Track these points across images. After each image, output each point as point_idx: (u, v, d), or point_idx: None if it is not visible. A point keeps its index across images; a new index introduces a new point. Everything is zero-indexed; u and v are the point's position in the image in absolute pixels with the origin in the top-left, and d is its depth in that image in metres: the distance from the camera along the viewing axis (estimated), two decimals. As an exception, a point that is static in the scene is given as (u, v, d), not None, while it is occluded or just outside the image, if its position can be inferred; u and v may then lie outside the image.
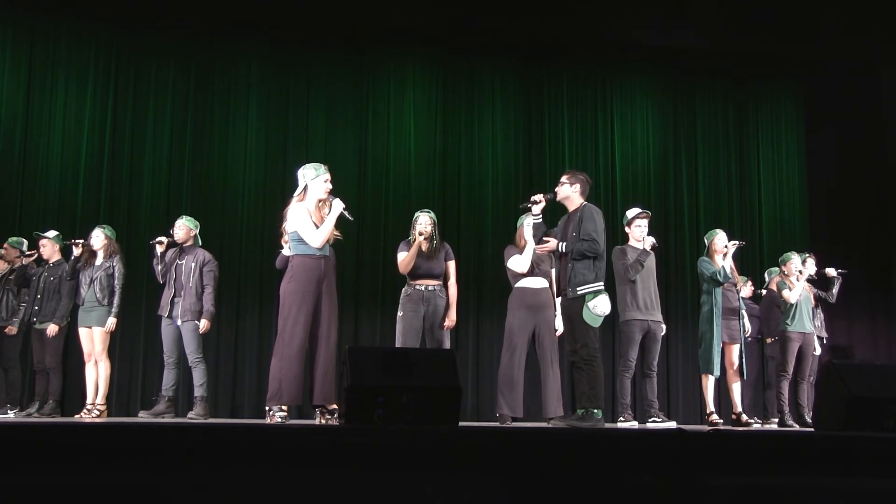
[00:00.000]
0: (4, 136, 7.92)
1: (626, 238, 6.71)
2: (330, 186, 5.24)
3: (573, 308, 5.36)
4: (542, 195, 5.62)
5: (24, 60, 8.09)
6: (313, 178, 5.21)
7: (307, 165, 5.29)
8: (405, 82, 8.93)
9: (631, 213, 6.73)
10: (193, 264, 6.50)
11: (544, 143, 9.16)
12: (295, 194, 5.25)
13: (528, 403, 6.12)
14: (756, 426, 7.05)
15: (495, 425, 5.48)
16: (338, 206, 5.16)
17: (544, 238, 5.58)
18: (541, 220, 5.62)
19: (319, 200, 5.22)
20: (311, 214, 5.18)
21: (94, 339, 6.59)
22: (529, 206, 5.63)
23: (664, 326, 6.71)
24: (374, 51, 8.91)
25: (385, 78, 8.89)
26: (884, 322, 9.37)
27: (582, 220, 5.40)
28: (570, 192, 5.58)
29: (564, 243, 5.42)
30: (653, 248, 6.60)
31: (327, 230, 5.13)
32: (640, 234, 6.60)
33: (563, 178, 5.64)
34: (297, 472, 2.94)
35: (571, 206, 5.60)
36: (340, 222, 5.25)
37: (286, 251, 6.09)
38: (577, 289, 5.32)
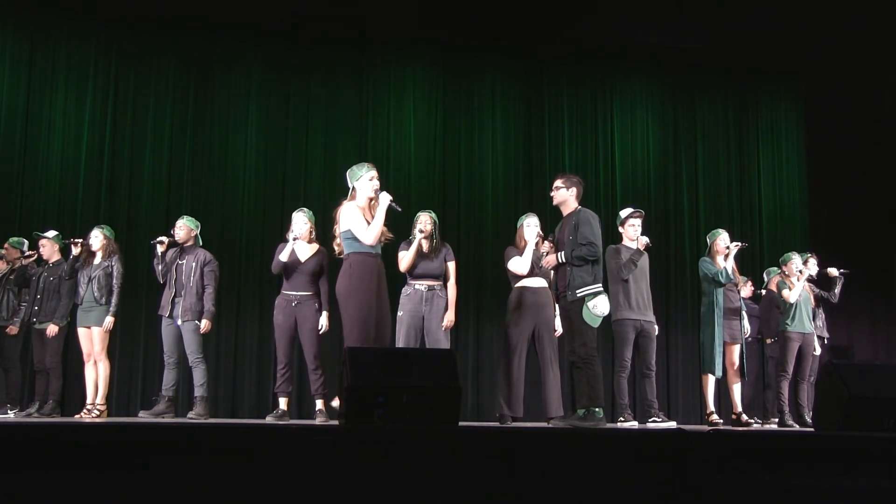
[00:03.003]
0: (4, 136, 7.92)
1: (620, 238, 6.70)
2: (377, 184, 5.23)
3: (573, 309, 5.38)
4: (548, 244, 5.66)
5: (24, 60, 8.08)
6: (359, 178, 5.24)
7: (353, 167, 5.34)
8: (405, 83, 8.93)
9: (624, 212, 6.73)
10: (194, 264, 6.49)
11: (544, 143, 9.16)
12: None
13: (528, 403, 6.12)
14: (756, 426, 7.05)
15: (495, 425, 5.48)
16: (385, 199, 5.15)
17: (546, 254, 5.61)
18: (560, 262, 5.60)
19: (370, 199, 5.21)
20: (364, 213, 5.17)
21: (93, 339, 6.59)
22: (543, 259, 5.67)
23: (656, 327, 6.69)
24: (375, 51, 8.91)
25: (385, 78, 8.89)
26: (884, 322, 9.37)
27: (578, 224, 5.43)
28: (567, 196, 5.63)
29: (563, 252, 5.44)
30: (646, 247, 6.59)
31: (378, 225, 5.12)
32: (633, 233, 6.59)
33: (559, 183, 5.68)
34: (297, 472, 2.93)
35: (567, 210, 5.64)
36: (391, 220, 5.26)
37: (283, 256, 6.11)
38: (577, 291, 5.35)
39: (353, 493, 2.92)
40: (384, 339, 5.12)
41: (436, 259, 6.20)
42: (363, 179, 5.23)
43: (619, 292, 6.39)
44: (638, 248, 6.52)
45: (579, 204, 5.65)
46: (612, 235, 7.64)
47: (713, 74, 9.65)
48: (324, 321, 6.16)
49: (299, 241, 6.19)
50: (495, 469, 3.10)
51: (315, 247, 6.27)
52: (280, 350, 6.21)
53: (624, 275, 6.39)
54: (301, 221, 6.21)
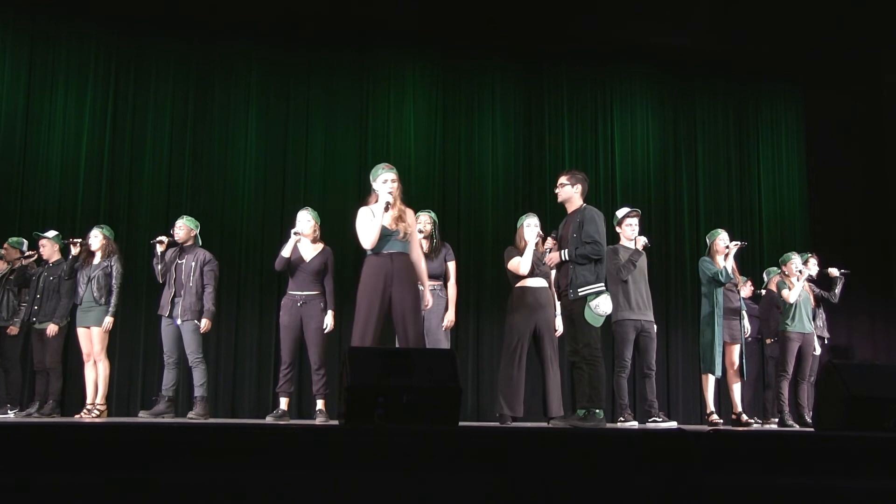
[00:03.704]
0: (4, 136, 7.92)
1: (617, 238, 6.70)
2: (391, 187, 5.18)
3: (575, 309, 5.34)
4: (551, 241, 5.62)
5: (24, 60, 8.09)
6: (375, 180, 5.25)
7: (374, 167, 5.36)
8: (405, 83, 8.94)
9: (621, 212, 6.73)
10: (194, 264, 6.49)
11: (544, 143, 9.16)
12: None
13: (528, 403, 6.12)
14: (756, 426, 7.05)
15: (495, 425, 5.48)
16: (383, 199, 5.14)
17: (550, 251, 5.58)
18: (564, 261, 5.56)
19: (387, 201, 5.19)
20: (374, 214, 5.15)
21: (92, 339, 6.59)
22: (545, 255, 5.62)
23: (655, 326, 6.69)
24: (375, 51, 8.91)
25: (385, 78, 8.89)
26: (884, 322, 9.37)
27: (583, 222, 5.38)
28: (572, 193, 5.56)
29: (566, 251, 5.41)
30: (644, 247, 6.58)
31: (372, 229, 5.09)
32: (631, 233, 6.59)
33: (564, 179, 5.60)
34: (297, 472, 2.93)
35: (571, 208, 5.58)
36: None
37: (286, 252, 6.13)
38: (579, 290, 5.30)
39: (353, 493, 2.92)
40: (409, 336, 5.06)
41: (435, 259, 6.21)
42: (378, 181, 5.23)
43: (619, 293, 6.38)
44: (636, 249, 6.51)
45: (584, 201, 5.61)
46: (611, 236, 7.67)
47: (713, 74, 9.66)
48: (329, 321, 6.17)
49: (304, 241, 6.19)
50: (495, 469, 3.09)
51: (320, 246, 6.28)
52: (285, 350, 6.20)
53: (623, 276, 6.38)
54: (305, 220, 6.22)
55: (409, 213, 5.29)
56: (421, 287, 5.34)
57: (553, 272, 6.05)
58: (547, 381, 5.96)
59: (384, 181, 5.20)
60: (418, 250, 5.33)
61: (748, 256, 8.75)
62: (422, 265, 5.31)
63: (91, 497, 2.74)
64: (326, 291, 6.21)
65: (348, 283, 7.92)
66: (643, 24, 8.84)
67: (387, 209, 5.12)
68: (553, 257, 5.52)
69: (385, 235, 5.13)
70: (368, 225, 5.12)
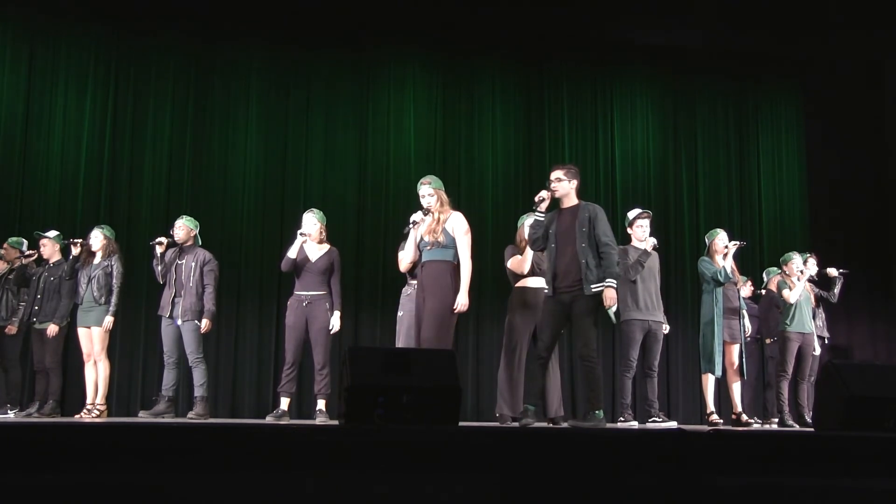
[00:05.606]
0: (4, 137, 7.92)
1: (627, 238, 6.70)
2: (427, 202, 5.39)
3: (579, 306, 5.26)
4: (546, 192, 5.49)
5: (24, 61, 8.09)
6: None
7: None
8: (405, 82, 8.94)
9: (632, 213, 6.73)
10: (193, 264, 6.49)
11: (544, 143, 9.16)
12: None
13: (528, 403, 6.11)
14: (756, 426, 7.05)
15: (495, 425, 5.48)
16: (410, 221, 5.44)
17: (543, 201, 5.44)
18: (544, 217, 5.49)
19: (426, 213, 5.40)
20: (417, 230, 5.44)
21: (92, 339, 6.59)
22: (536, 206, 5.51)
23: (667, 326, 6.70)
24: (374, 50, 8.91)
25: (385, 77, 8.89)
26: (884, 322, 9.37)
27: (593, 220, 5.25)
28: (570, 189, 5.39)
29: (583, 245, 5.18)
30: (654, 248, 6.59)
31: (404, 254, 5.54)
32: (642, 234, 6.59)
33: (561, 174, 5.38)
34: (297, 472, 2.93)
35: (569, 202, 5.39)
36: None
37: (292, 252, 6.15)
38: (592, 287, 5.15)
39: (353, 493, 2.92)
40: (421, 339, 5.28)
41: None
42: (420, 194, 5.43)
43: (627, 293, 6.37)
44: (645, 250, 6.52)
45: (578, 196, 5.44)
46: (620, 237, 7.68)
47: (713, 74, 9.65)
48: (335, 321, 6.17)
49: (310, 242, 6.20)
50: (495, 469, 3.10)
51: (326, 247, 6.29)
52: (289, 350, 6.19)
53: (631, 276, 6.38)
54: (311, 223, 6.22)
55: (454, 217, 5.41)
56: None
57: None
58: (547, 381, 5.95)
59: (421, 196, 5.43)
60: (461, 252, 5.40)
61: (748, 256, 8.75)
62: (464, 268, 5.37)
63: (91, 497, 2.74)
64: (333, 292, 6.21)
65: (348, 284, 7.94)
66: (643, 24, 8.84)
67: (407, 233, 5.43)
68: (611, 299, 5.19)
69: (422, 248, 5.41)
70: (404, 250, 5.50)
